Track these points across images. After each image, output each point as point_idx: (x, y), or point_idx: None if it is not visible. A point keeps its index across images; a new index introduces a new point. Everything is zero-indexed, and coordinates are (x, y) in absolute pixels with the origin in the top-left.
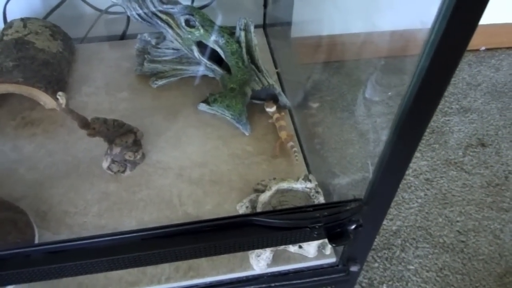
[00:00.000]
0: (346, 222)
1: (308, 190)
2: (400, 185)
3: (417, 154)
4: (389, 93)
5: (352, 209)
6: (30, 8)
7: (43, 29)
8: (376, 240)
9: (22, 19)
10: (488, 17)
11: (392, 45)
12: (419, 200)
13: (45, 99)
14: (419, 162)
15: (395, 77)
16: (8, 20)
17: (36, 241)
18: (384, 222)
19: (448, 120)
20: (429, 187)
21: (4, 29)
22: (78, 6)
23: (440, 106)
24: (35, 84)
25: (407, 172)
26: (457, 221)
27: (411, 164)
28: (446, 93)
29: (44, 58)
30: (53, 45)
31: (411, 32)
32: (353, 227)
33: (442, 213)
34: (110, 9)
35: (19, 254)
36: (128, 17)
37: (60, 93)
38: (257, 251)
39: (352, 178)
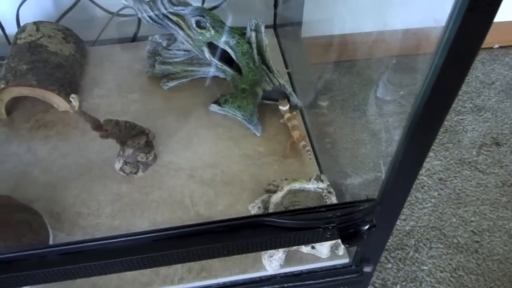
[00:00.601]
0: (359, 223)
1: (320, 190)
2: (413, 185)
3: (430, 153)
4: (401, 92)
5: (365, 209)
6: (42, 11)
7: (56, 32)
8: (389, 240)
9: (35, 23)
10: (501, 15)
11: (404, 43)
12: (433, 200)
13: (58, 102)
14: (432, 162)
15: (407, 76)
16: (21, 24)
17: (51, 242)
18: (397, 222)
19: (462, 119)
20: (442, 187)
21: (17, 33)
22: (90, 9)
23: (453, 105)
24: (48, 87)
25: (420, 172)
26: (472, 221)
27: (424, 164)
28: (459, 92)
29: (57, 61)
30: (66, 48)
31: (423, 31)
32: (366, 227)
33: (456, 213)
34: (121, 12)
35: (34, 255)
36: (139, 19)
37: (73, 95)
38: (269, 251)
39: (365, 178)
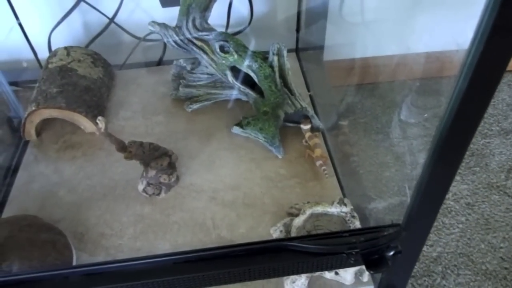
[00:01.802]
0: (384, 248)
1: (344, 214)
2: (440, 210)
3: (457, 177)
4: (425, 115)
5: (390, 234)
6: (73, 37)
7: (85, 56)
8: (415, 266)
9: (65, 48)
10: None
11: (427, 66)
12: (460, 226)
13: (85, 123)
14: (459, 186)
15: (431, 99)
16: (53, 48)
17: (74, 263)
18: (424, 248)
19: (489, 142)
20: (470, 212)
21: (49, 57)
22: (118, 34)
23: (479, 128)
24: (77, 109)
25: (447, 196)
26: (501, 247)
27: (451, 188)
28: (485, 115)
29: (85, 84)
30: (94, 72)
31: (446, 54)
32: (391, 253)
33: (485, 239)
34: (148, 37)
35: (58, 275)
36: (165, 44)
37: (100, 117)
38: (292, 277)
39: (389, 202)
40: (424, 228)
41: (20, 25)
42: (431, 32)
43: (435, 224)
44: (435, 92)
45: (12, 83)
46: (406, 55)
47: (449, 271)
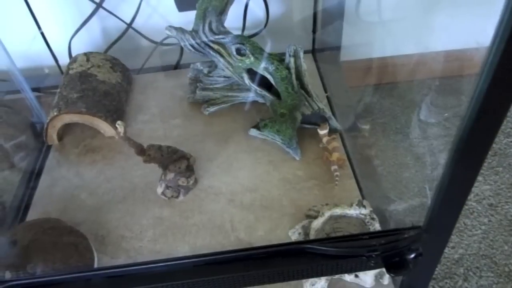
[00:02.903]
0: (404, 251)
1: (363, 216)
2: (462, 211)
3: (479, 178)
4: (446, 114)
5: (410, 237)
6: (92, 43)
7: (104, 62)
8: (437, 269)
9: (85, 54)
10: None
11: (446, 65)
12: (483, 227)
13: (105, 128)
14: (481, 186)
15: (452, 98)
16: (73, 55)
17: (96, 265)
18: (446, 250)
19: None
20: (493, 213)
21: (69, 64)
22: (136, 39)
23: (502, 127)
24: (96, 114)
25: (469, 197)
26: None
27: (473, 189)
28: (508, 113)
29: (104, 89)
30: (113, 77)
31: (466, 52)
32: (412, 256)
33: (508, 240)
34: (165, 41)
35: (80, 278)
36: (182, 48)
37: (119, 122)
38: (311, 279)
39: (409, 204)
40: (445, 230)
41: (42, 34)
42: (450, 30)
43: (457, 225)
44: (456, 91)
45: (34, 89)
46: (425, 54)
47: (471, 273)
